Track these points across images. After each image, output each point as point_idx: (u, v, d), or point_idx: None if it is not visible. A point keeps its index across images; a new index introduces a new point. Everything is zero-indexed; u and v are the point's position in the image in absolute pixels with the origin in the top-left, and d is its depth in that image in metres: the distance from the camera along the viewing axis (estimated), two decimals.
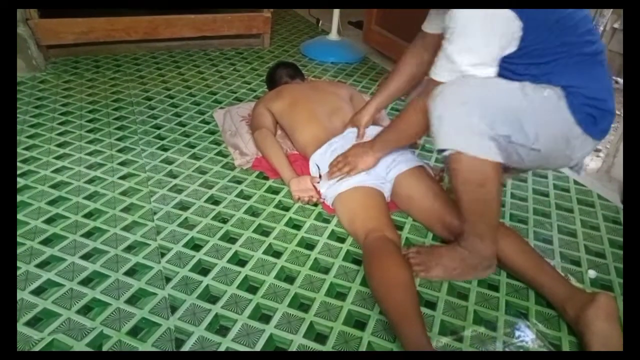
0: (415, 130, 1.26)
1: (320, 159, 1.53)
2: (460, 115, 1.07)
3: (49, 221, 1.35)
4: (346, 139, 1.53)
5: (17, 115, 1.89)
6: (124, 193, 1.49)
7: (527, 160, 1.19)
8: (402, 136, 1.32)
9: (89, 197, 1.46)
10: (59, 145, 1.73)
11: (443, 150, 1.11)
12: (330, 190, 1.44)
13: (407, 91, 1.55)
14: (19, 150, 1.66)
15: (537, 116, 1.12)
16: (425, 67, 1.48)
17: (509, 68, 1.12)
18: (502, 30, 1.07)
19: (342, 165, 1.41)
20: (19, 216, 1.35)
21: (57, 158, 1.65)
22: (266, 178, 1.64)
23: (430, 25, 1.43)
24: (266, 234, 1.37)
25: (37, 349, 0.98)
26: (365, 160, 1.39)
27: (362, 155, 1.40)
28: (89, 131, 1.84)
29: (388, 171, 1.44)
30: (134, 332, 1.03)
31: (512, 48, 1.10)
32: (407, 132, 1.29)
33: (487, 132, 1.07)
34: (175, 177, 1.60)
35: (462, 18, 1.07)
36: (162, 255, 1.26)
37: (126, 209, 1.42)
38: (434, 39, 1.43)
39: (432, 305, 1.16)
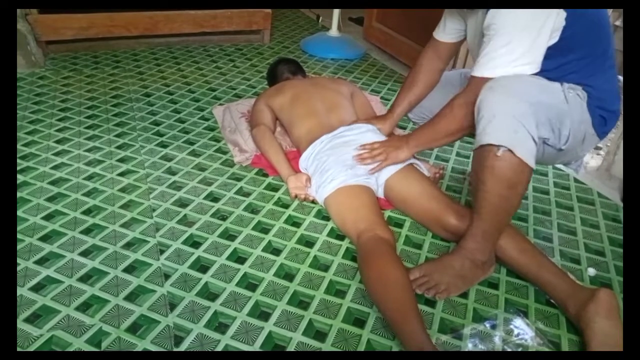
0: (456, 128, 1.24)
1: (306, 163, 1.52)
2: (517, 111, 1.05)
3: (48, 218, 1.34)
4: (334, 137, 1.50)
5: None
6: (123, 190, 1.49)
7: (545, 156, 1.21)
8: (441, 134, 1.28)
9: (88, 194, 1.46)
10: (58, 142, 1.72)
11: (487, 146, 1.07)
12: (317, 195, 1.44)
13: (420, 101, 1.55)
14: (17, 146, 1.66)
15: (572, 119, 1.15)
16: (439, 75, 1.50)
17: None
18: (550, 25, 1.08)
19: (377, 152, 1.39)
20: (18, 213, 1.34)
21: (56, 154, 1.65)
22: (266, 175, 1.63)
23: (444, 33, 1.43)
24: (265, 231, 1.37)
25: (36, 345, 0.98)
26: (399, 154, 1.37)
27: (397, 149, 1.37)
28: (88, 127, 1.84)
29: (377, 174, 1.43)
30: (133, 329, 1.03)
31: (554, 40, 1.11)
32: (450, 130, 1.26)
33: (535, 134, 1.06)
34: (174, 173, 1.60)
35: (509, 16, 1.08)
36: (161, 252, 1.26)
37: (125, 206, 1.42)
38: (447, 47, 1.45)
39: (431, 303, 1.16)
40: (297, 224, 1.41)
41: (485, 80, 1.13)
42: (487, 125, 1.07)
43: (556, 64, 1.15)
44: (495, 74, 1.12)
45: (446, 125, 1.26)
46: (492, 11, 1.11)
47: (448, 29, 1.42)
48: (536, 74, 1.14)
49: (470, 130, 1.22)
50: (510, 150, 1.04)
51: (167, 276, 1.18)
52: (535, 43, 1.09)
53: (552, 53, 1.12)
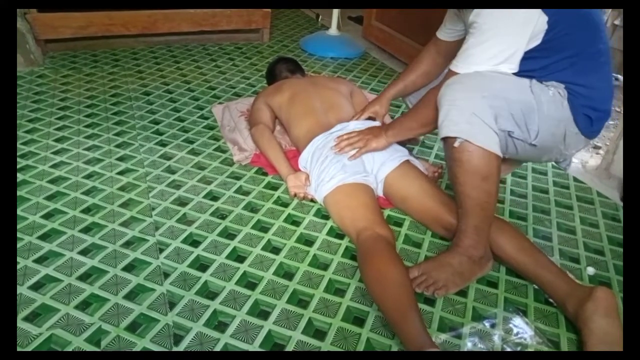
0: (430, 119, 1.24)
1: (305, 162, 1.52)
2: (471, 104, 1.08)
3: (47, 216, 1.34)
4: (330, 139, 1.49)
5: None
6: (122, 188, 1.49)
7: (521, 152, 1.23)
8: (418, 124, 1.31)
9: (87, 193, 1.46)
10: (57, 140, 1.72)
11: (447, 139, 1.11)
12: (316, 193, 1.44)
13: (417, 89, 1.55)
14: (17, 145, 1.65)
15: (541, 115, 1.16)
16: (439, 68, 1.51)
17: (523, 59, 1.13)
18: (529, 27, 1.09)
19: (355, 140, 1.40)
20: (17, 211, 1.34)
21: (55, 153, 1.64)
22: (265, 174, 1.63)
23: (445, 33, 1.45)
24: (265, 230, 1.37)
25: (35, 344, 0.98)
26: (379, 141, 1.38)
27: (377, 136, 1.39)
28: (87, 126, 1.84)
29: (376, 171, 1.43)
30: (132, 328, 1.03)
31: (535, 42, 1.12)
32: (424, 121, 1.27)
33: (492, 124, 1.09)
34: (173, 172, 1.60)
35: (490, 15, 1.09)
36: (161, 251, 1.26)
37: (124, 205, 1.42)
38: (448, 46, 1.46)
39: (431, 302, 1.16)
40: (296, 223, 1.41)
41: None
42: (444, 119, 1.10)
43: (540, 65, 1.16)
44: (469, 70, 1.14)
45: (421, 115, 1.28)
46: (476, 10, 1.12)
47: (447, 28, 1.43)
48: (523, 74, 1.14)
49: None
50: (469, 141, 1.07)
51: (166, 275, 1.18)
52: (513, 43, 1.11)
53: (535, 55, 1.13)
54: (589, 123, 1.21)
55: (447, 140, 1.12)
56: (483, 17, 1.10)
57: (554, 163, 1.78)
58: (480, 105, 1.08)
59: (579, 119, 1.20)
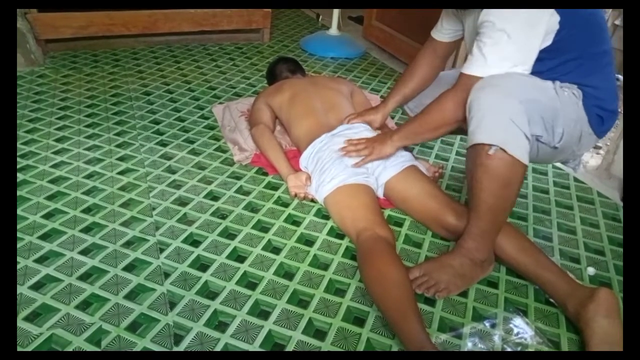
0: (441, 122, 1.23)
1: (307, 162, 1.52)
2: (509, 110, 1.05)
3: (48, 216, 1.34)
4: (335, 136, 1.49)
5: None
6: (122, 188, 1.49)
7: (540, 155, 1.22)
8: (424, 128, 1.27)
9: (87, 192, 1.46)
10: (58, 140, 1.72)
11: (479, 145, 1.07)
12: (317, 193, 1.44)
13: (416, 95, 1.54)
14: (17, 145, 1.66)
15: (565, 117, 1.15)
16: (437, 70, 1.50)
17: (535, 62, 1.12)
18: (543, 27, 1.08)
19: (362, 147, 1.39)
20: (18, 211, 1.34)
21: (56, 153, 1.64)
22: (265, 174, 1.63)
23: (440, 33, 1.44)
24: (265, 230, 1.37)
25: (35, 344, 0.98)
26: (383, 149, 1.37)
27: (382, 144, 1.37)
28: (88, 126, 1.84)
29: (378, 174, 1.43)
30: (132, 328, 1.03)
31: (547, 42, 1.11)
32: (434, 125, 1.25)
33: (527, 131, 1.06)
34: (174, 172, 1.60)
35: (502, 15, 1.08)
36: (161, 251, 1.26)
37: (125, 204, 1.42)
38: (443, 46, 1.45)
39: (431, 302, 1.16)
40: (296, 223, 1.41)
41: (474, 78, 1.13)
42: (478, 125, 1.07)
43: (550, 66, 1.15)
44: (484, 73, 1.12)
45: (430, 119, 1.26)
46: (485, 9, 1.11)
47: (444, 28, 1.42)
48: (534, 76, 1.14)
49: (454, 125, 1.22)
50: (502, 149, 1.05)
51: (167, 275, 1.18)
52: (527, 43, 1.09)
53: (545, 55, 1.12)
54: (600, 123, 1.21)
55: (478, 146, 1.08)
56: (494, 17, 1.08)
57: (554, 164, 1.79)
58: (517, 111, 1.05)
59: (592, 120, 1.19)
